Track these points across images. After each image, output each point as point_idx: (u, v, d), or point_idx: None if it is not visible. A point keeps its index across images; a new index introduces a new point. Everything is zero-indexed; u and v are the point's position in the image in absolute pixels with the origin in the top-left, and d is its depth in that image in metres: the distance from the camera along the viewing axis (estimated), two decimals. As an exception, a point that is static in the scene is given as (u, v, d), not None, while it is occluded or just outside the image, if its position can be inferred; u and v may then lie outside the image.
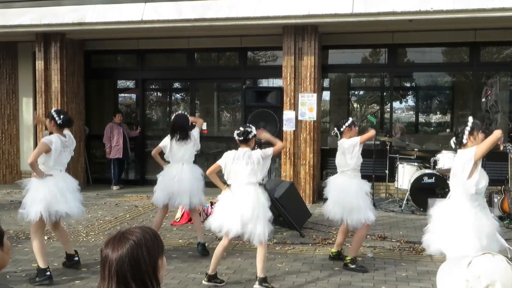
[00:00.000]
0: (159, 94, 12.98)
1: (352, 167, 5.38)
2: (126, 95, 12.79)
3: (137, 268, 1.69)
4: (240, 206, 4.75)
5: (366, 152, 5.63)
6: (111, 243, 1.72)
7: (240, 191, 4.83)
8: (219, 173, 5.07)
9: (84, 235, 6.87)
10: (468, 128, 4.14)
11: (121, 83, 12.32)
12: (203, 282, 4.93)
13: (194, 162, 6.36)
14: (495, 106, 9.41)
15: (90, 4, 9.21)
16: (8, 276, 5.17)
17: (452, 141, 4.34)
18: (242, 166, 4.85)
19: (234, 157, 4.92)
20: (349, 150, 5.35)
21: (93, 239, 6.65)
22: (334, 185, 5.54)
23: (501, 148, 5.30)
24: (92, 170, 11.21)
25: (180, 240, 6.61)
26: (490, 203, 7.68)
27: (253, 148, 5.05)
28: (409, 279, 5.12)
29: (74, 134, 10.18)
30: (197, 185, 6.10)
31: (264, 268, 4.81)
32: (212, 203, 7.81)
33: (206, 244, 6.24)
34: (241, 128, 5.03)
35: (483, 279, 1.37)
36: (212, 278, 4.93)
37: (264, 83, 11.04)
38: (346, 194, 5.35)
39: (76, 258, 5.45)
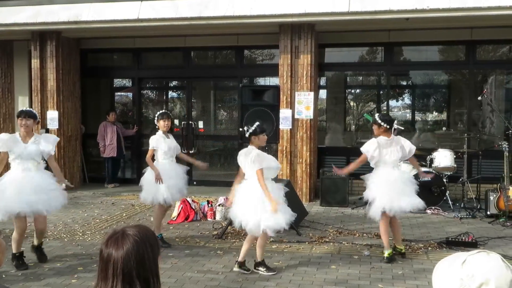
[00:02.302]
0: (155, 92, 12.96)
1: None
2: (122, 93, 12.76)
3: (141, 265, 1.67)
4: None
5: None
6: (113, 241, 1.69)
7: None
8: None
9: (80, 234, 6.86)
10: None
11: (118, 82, 12.28)
12: (254, 269, 5.22)
13: (190, 164, 6.47)
14: (490, 105, 9.45)
15: (85, 2, 9.18)
16: (4, 276, 5.15)
17: None
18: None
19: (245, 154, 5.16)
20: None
21: (89, 238, 6.63)
22: (376, 177, 5.69)
23: None
24: (88, 169, 11.20)
25: (176, 239, 6.60)
26: (486, 201, 7.72)
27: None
28: (405, 277, 5.13)
29: (70, 132, 10.27)
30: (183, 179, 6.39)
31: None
32: (209, 202, 7.82)
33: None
34: (258, 123, 5.23)
35: (477, 277, 1.37)
36: (260, 264, 5.22)
37: (261, 81, 11.03)
38: (390, 183, 5.56)
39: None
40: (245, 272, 5.20)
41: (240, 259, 5.26)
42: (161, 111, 6.44)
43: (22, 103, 11.11)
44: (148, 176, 6.24)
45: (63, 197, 5.56)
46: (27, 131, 5.44)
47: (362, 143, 5.89)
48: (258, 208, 4.98)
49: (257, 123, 5.25)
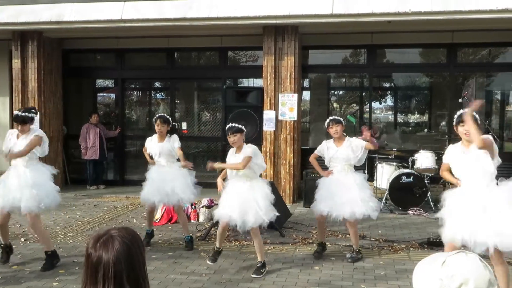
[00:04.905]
0: (138, 93, 12.88)
1: None
2: (105, 94, 12.65)
3: (131, 268, 1.65)
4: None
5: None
6: (102, 244, 1.66)
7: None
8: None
9: (62, 236, 6.78)
10: None
11: (100, 82, 12.18)
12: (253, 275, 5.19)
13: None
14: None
15: (68, 2, 9.09)
16: (-17, 279, 5.08)
17: None
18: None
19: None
20: None
21: (71, 241, 6.56)
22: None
23: None
24: (70, 170, 11.08)
25: (159, 241, 6.57)
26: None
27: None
28: (387, 277, 5.18)
29: (52, 133, 10.15)
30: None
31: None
32: (192, 204, 7.79)
33: (195, 245, 6.22)
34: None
35: (457, 277, 1.40)
36: (265, 265, 5.31)
37: (245, 83, 11.03)
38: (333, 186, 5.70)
39: None
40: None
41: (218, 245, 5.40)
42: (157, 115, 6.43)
43: (2, 104, 10.95)
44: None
45: (55, 194, 5.50)
46: (23, 133, 5.44)
47: None
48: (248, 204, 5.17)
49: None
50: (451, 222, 4.32)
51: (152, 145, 6.29)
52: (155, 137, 6.31)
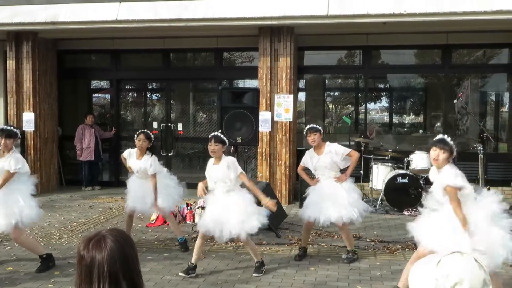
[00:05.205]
0: (134, 94, 12.85)
1: None
2: (100, 95, 12.62)
3: (126, 266, 1.66)
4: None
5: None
6: (94, 245, 1.67)
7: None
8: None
9: (57, 237, 6.76)
10: None
11: (95, 83, 12.15)
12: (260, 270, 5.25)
13: (169, 166, 6.40)
14: (464, 108, 9.65)
15: (63, 3, 9.07)
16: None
17: None
18: None
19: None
20: None
21: (66, 242, 6.54)
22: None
23: None
24: (65, 171, 11.05)
25: (155, 242, 6.56)
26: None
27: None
28: (383, 278, 5.19)
29: (46, 135, 10.12)
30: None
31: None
32: (188, 205, 7.79)
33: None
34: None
35: (452, 277, 1.41)
36: (263, 264, 5.33)
37: (240, 84, 11.03)
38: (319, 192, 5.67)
39: None
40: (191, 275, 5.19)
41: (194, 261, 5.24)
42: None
43: (-3, 105, 10.92)
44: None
45: (32, 209, 5.37)
46: (5, 149, 5.32)
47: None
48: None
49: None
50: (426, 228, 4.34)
51: (131, 160, 6.14)
52: (134, 152, 6.13)
